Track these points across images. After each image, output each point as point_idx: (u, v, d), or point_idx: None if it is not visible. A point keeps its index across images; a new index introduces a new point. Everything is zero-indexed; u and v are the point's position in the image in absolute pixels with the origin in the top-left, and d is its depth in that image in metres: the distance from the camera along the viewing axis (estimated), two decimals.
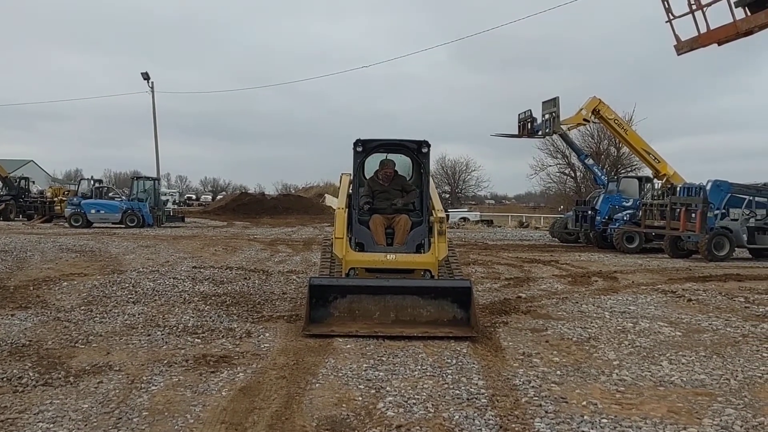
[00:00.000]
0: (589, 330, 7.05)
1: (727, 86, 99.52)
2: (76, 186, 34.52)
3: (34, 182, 40.80)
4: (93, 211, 28.22)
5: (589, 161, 25.28)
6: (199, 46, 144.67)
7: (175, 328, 6.78)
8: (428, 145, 8.15)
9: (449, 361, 5.62)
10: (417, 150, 8.27)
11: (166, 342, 6.17)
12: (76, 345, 5.99)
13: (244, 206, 48.10)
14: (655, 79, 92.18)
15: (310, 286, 6.84)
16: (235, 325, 6.99)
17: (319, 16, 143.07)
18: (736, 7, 10.51)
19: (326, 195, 61.69)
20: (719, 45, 11.01)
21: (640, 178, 23.02)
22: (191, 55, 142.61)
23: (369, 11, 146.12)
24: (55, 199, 34.32)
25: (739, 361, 5.81)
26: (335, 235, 7.66)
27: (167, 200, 43.96)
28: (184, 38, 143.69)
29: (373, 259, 7.64)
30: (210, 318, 7.37)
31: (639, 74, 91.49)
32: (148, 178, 32.89)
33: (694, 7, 10.87)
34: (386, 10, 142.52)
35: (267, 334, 6.61)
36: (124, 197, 30.44)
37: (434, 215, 7.80)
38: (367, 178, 8.66)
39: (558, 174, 50.00)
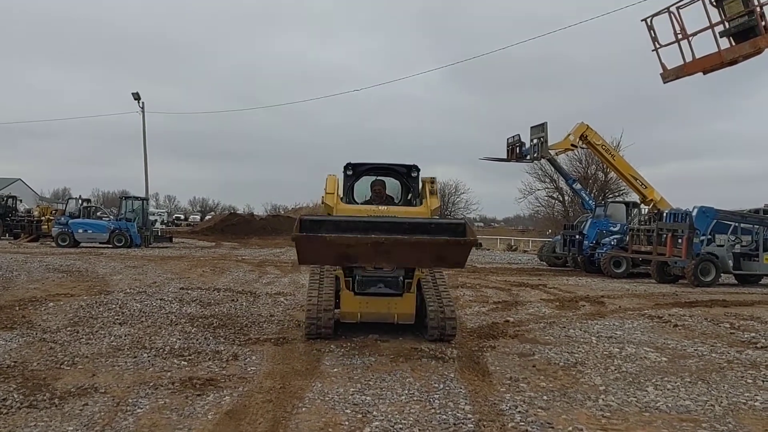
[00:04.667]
0: (576, 355, 7.08)
1: (719, 111, 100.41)
2: (64, 205, 34.33)
3: (21, 201, 40.54)
4: (80, 230, 28.11)
5: (577, 186, 25.51)
6: (186, 65, 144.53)
7: (161, 350, 6.74)
8: (417, 170, 8.22)
9: (436, 385, 5.62)
10: (407, 174, 8.33)
11: (153, 364, 6.14)
12: (62, 366, 5.95)
13: (233, 227, 48.03)
14: (646, 104, 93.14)
15: (299, 220, 6.53)
16: (222, 348, 6.96)
17: (309, 35, 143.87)
18: (721, 37, 10.72)
19: None
20: (704, 74, 11.22)
21: (627, 203, 23.23)
22: (178, 73, 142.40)
23: (361, 30, 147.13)
24: (43, 218, 34.13)
25: (723, 387, 5.86)
26: (326, 190, 7.48)
27: (155, 220, 43.80)
28: (171, 56, 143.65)
29: (363, 209, 7.55)
30: (197, 340, 7.34)
31: (630, 99, 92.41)
32: (136, 198, 32.77)
33: (680, 36, 11.09)
34: (379, 30, 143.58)
35: (254, 357, 6.59)
36: (111, 217, 30.31)
37: (425, 180, 7.84)
38: (359, 202, 8.71)
39: (546, 198, 50.25)
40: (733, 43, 10.60)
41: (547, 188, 48.70)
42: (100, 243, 28.00)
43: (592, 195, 33.58)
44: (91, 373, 5.76)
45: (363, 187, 8.79)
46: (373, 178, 8.64)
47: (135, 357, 6.39)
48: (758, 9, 10.08)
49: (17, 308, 9.17)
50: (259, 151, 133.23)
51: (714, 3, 10.64)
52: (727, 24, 10.56)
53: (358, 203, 8.72)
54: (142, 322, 8.44)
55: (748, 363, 6.91)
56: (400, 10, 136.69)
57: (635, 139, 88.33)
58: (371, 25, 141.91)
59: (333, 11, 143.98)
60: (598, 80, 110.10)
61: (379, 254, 6.44)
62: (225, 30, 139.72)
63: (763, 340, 8.26)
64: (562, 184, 41.89)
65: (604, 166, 36.96)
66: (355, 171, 8.23)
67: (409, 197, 8.73)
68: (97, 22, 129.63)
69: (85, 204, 31.95)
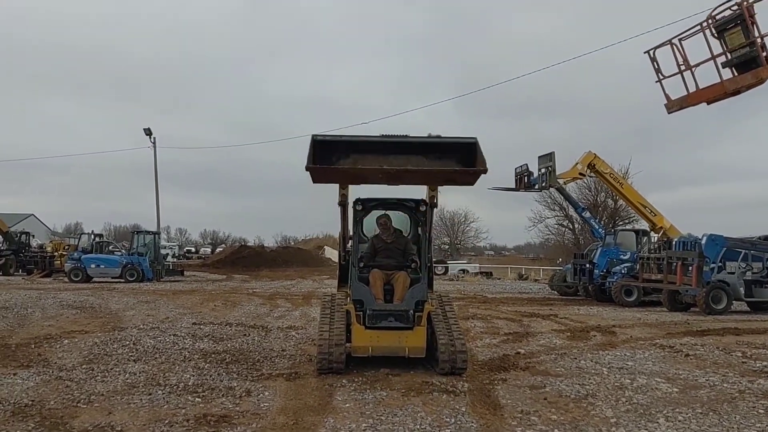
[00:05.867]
0: (587, 387, 7.10)
1: (729, 135, 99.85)
2: (77, 240, 34.67)
3: (33, 236, 40.94)
4: (93, 265, 28.34)
5: (587, 214, 25.58)
6: (194, 95, 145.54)
7: (175, 386, 6.82)
8: (426, 204, 8.33)
9: (448, 420, 5.66)
10: (415, 208, 8.45)
11: (167, 401, 6.21)
12: (78, 405, 6.03)
13: (244, 259, 48.31)
14: (658, 128, 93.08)
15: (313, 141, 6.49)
16: (235, 384, 7.03)
17: (316, 62, 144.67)
18: (723, 67, 10.89)
19: (326, 247, 61.94)
20: (708, 104, 11.37)
21: (636, 231, 23.24)
22: (187, 104, 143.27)
23: (368, 57, 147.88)
24: (56, 253, 34.44)
25: (735, 417, 5.87)
26: None
27: (167, 254, 44.09)
28: (180, 88, 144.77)
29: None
30: (210, 376, 7.41)
31: (641, 123, 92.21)
32: (148, 232, 33.10)
33: (683, 67, 11.27)
34: (386, 56, 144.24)
35: (266, 393, 6.65)
36: (123, 251, 30.57)
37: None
38: (368, 236, 8.84)
39: (556, 226, 50.31)
40: (736, 74, 10.77)
41: (557, 216, 48.83)
42: (113, 278, 28.24)
43: (602, 223, 33.62)
44: (108, 411, 5.84)
45: (373, 221, 8.91)
46: (381, 212, 8.77)
47: (150, 394, 6.47)
48: (759, 40, 10.26)
49: (33, 346, 9.29)
50: (268, 182, 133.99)
51: (715, 34, 10.83)
52: (729, 55, 10.74)
53: (368, 237, 8.85)
54: (156, 358, 8.53)
55: (760, 393, 6.91)
56: (407, 37, 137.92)
57: (645, 164, 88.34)
58: (378, 53, 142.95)
59: (339, 39, 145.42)
60: (605, 106, 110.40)
61: (390, 177, 6.66)
62: (233, 60, 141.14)
63: None
64: (572, 212, 41.93)
65: (613, 194, 37.06)
66: (364, 206, 8.37)
67: (418, 230, 8.85)
68: (108, 57, 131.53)
69: (97, 239, 32.27)
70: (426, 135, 6.84)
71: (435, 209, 8.28)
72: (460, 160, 6.68)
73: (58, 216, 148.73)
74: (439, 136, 6.80)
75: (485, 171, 6.36)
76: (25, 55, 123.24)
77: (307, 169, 6.33)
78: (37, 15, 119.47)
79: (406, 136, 6.79)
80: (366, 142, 6.71)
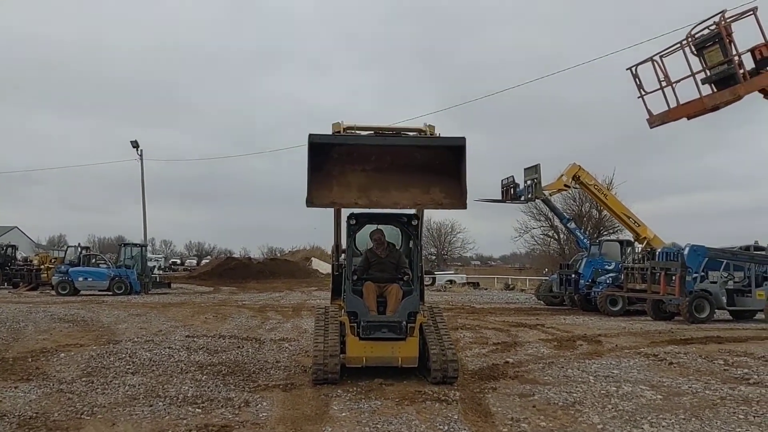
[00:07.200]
0: (575, 394, 7.35)
1: (713, 145, 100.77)
2: (63, 253, 34.52)
3: (17, 248, 40.68)
4: (80, 278, 28.24)
5: (572, 225, 25.92)
6: (181, 107, 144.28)
7: (175, 398, 6.98)
8: (417, 218, 8.56)
9: (441, 427, 5.88)
10: (407, 222, 8.68)
11: (168, 412, 6.37)
12: (82, 416, 6.18)
13: (231, 271, 48.12)
14: (640, 140, 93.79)
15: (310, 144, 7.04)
16: (233, 395, 7.19)
17: (303, 73, 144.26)
18: (703, 84, 11.25)
19: (313, 258, 61.94)
20: (689, 119, 11.73)
21: (621, 242, 23.57)
22: (174, 116, 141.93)
23: (354, 69, 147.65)
24: (42, 266, 34.25)
25: (716, 423, 6.13)
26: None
27: (154, 266, 43.94)
28: (166, 99, 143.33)
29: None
30: (208, 388, 7.57)
31: (624, 134, 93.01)
32: (135, 245, 33.00)
33: (663, 84, 11.63)
34: (373, 66, 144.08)
35: (264, 403, 6.82)
36: (110, 264, 30.50)
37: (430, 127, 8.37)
38: (362, 250, 9.05)
39: (542, 236, 50.69)
40: (715, 90, 11.14)
41: (542, 226, 49.19)
42: (100, 291, 28.11)
43: (587, 233, 34.00)
44: (111, 422, 6.00)
45: (365, 234, 9.12)
46: (375, 227, 8.98)
47: (151, 405, 6.62)
48: (736, 58, 10.64)
49: (30, 359, 9.39)
50: (254, 193, 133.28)
51: (695, 52, 11.20)
52: (708, 72, 11.11)
53: (360, 251, 9.06)
54: (153, 370, 8.67)
55: (741, 399, 7.18)
56: (396, 48, 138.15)
57: (630, 174, 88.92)
58: (367, 63, 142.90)
59: (328, 49, 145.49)
60: (590, 117, 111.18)
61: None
62: (221, 71, 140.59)
63: (756, 376, 8.54)
64: (557, 222, 42.34)
65: (598, 205, 37.50)
66: (358, 221, 8.58)
67: (410, 244, 9.08)
68: (93, 68, 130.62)
69: (84, 252, 32.14)
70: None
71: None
72: (449, 155, 7.35)
73: (41, 228, 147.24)
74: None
75: (465, 208, 7.19)
76: (7, 68, 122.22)
77: (307, 205, 6.97)
78: (18, 27, 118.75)
79: (399, 132, 7.57)
80: (362, 144, 7.42)
